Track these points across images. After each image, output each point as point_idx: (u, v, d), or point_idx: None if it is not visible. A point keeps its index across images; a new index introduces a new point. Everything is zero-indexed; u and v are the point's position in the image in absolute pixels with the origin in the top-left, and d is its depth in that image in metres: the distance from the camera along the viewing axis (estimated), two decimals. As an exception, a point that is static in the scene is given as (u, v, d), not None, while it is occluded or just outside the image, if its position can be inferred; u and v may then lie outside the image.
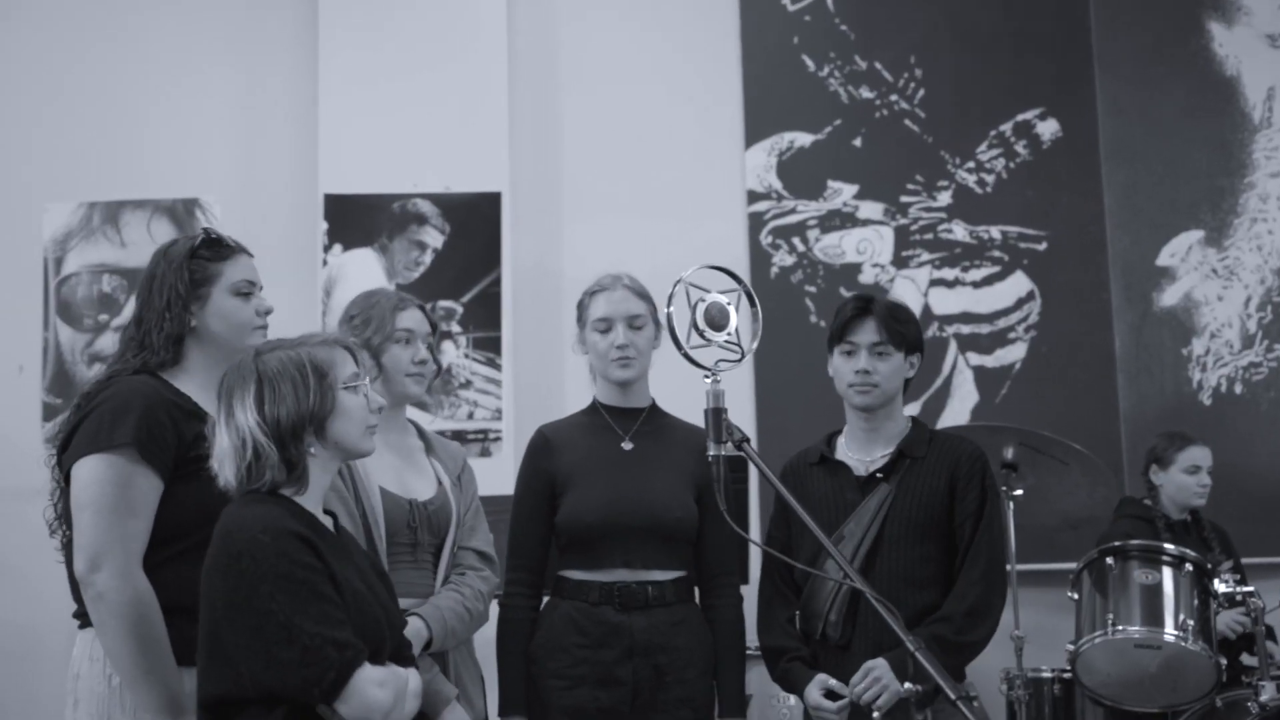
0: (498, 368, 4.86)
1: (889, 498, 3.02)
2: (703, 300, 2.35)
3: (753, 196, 5.16)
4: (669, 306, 2.38)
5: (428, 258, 4.91)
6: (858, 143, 5.17)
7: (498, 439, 4.82)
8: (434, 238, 4.93)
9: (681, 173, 5.15)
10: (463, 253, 4.90)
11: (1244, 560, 4.55)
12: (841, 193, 5.15)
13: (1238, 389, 5.04)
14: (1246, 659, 4.19)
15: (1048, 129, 5.15)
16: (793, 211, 5.14)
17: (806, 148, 5.18)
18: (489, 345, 4.87)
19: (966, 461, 3.05)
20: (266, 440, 2.20)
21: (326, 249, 4.89)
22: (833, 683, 2.92)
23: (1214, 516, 4.59)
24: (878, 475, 3.06)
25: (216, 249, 2.70)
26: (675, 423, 3.21)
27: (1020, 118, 5.16)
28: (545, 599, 3.13)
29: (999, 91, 5.17)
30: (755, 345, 2.44)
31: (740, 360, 2.39)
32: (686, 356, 2.35)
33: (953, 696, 1.99)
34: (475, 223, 4.93)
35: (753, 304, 2.44)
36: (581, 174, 5.16)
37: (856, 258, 5.11)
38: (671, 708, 2.98)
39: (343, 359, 2.31)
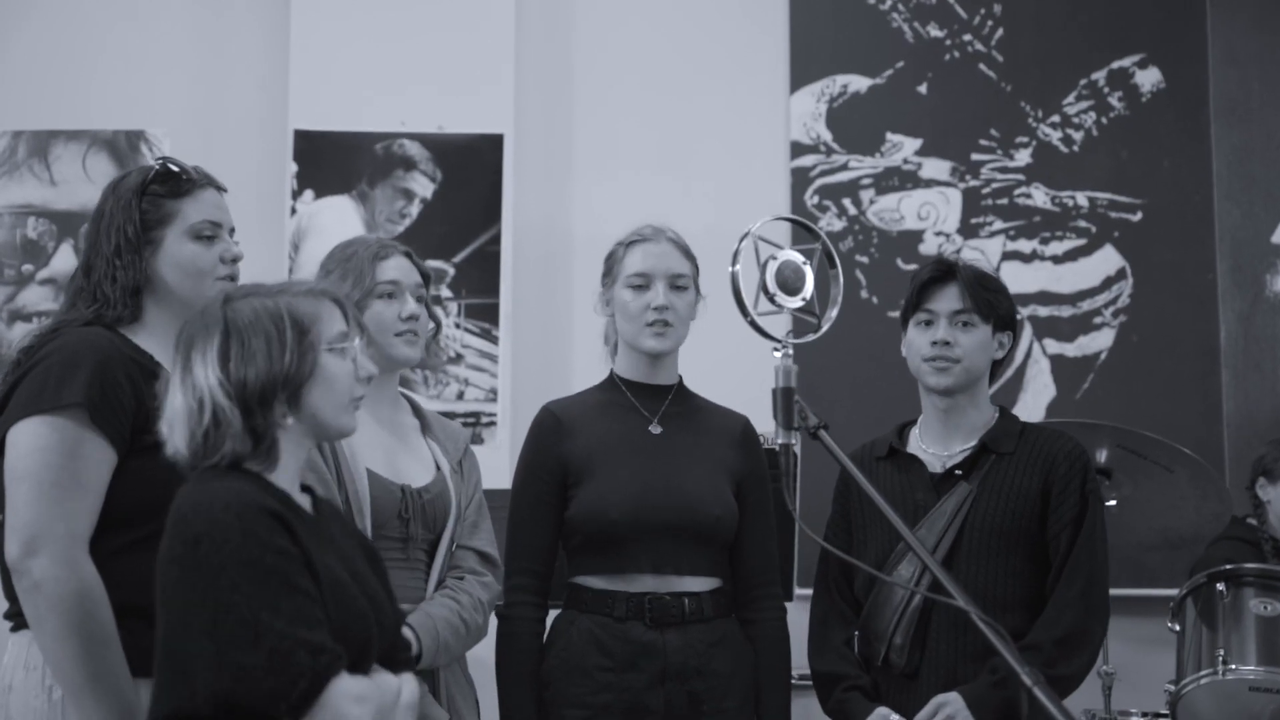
0: (494, 340, 4.76)
1: (969, 499, 2.95)
2: (774, 258, 2.25)
3: (797, 149, 5.06)
4: (734, 264, 2.28)
5: (415, 209, 4.81)
6: (923, 89, 5.08)
7: (492, 423, 4.72)
8: (423, 186, 4.82)
9: (714, 119, 5.05)
10: (457, 205, 4.80)
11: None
12: (902, 147, 5.06)
13: (1363, 392, 4.98)
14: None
15: (1148, 79, 5.07)
16: (844, 168, 5.05)
17: (862, 94, 5.08)
18: (485, 314, 4.77)
19: (1065, 461, 2.98)
20: (229, 404, 2.07)
21: (295, 195, 4.78)
22: (895, 718, 2.83)
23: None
24: (956, 472, 2.99)
25: (174, 183, 2.60)
26: (708, 405, 3.12)
27: (1116, 65, 5.07)
28: (553, 610, 3.04)
29: (1092, 34, 5.08)
30: (835, 314, 2.35)
31: (818, 331, 2.30)
32: (754, 325, 2.26)
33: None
34: (472, 170, 4.82)
35: (833, 265, 2.35)
36: (597, 118, 5.06)
37: (918, 224, 5.02)
38: (708, 740, 2.90)
39: (330, 314, 2.19)
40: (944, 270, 3.00)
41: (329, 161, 4.80)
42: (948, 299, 2.97)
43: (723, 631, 2.96)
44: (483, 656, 3.04)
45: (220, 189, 2.66)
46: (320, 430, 2.20)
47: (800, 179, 5.04)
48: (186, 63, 5.02)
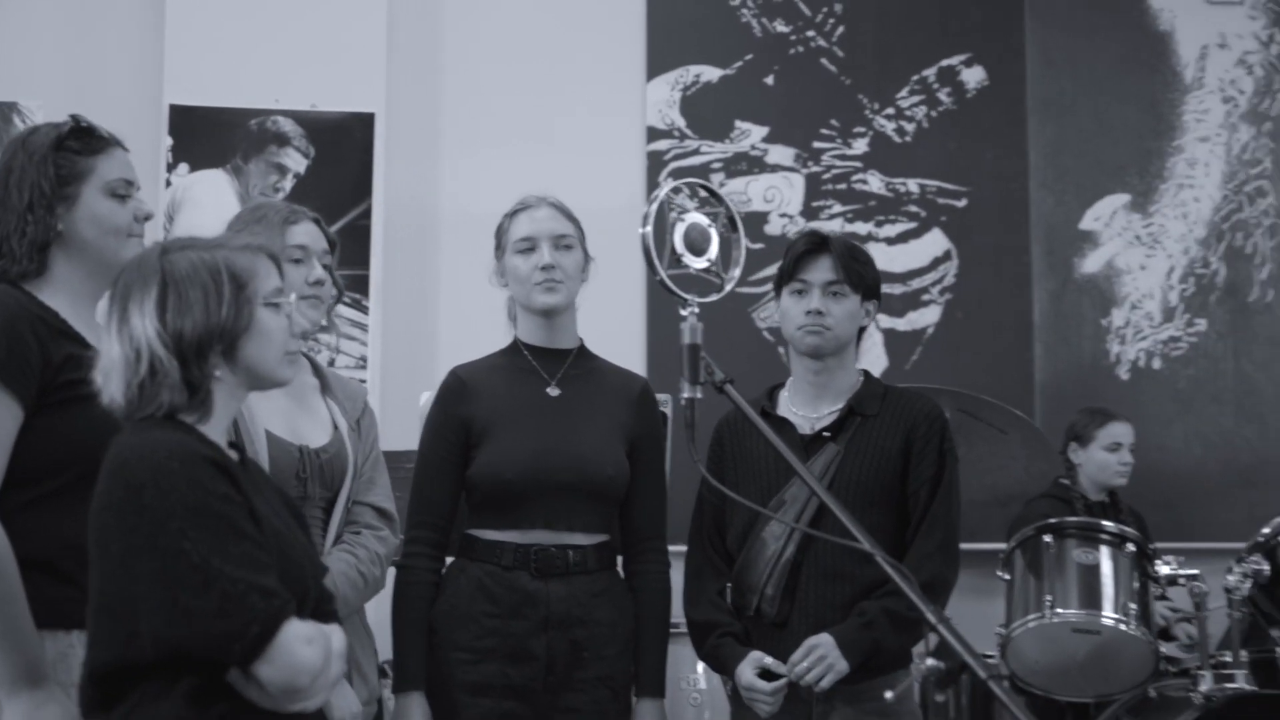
0: (364, 310, 4.63)
1: (837, 459, 2.91)
2: (682, 220, 2.19)
3: (653, 134, 5.03)
4: (645, 226, 2.22)
5: (288, 183, 4.65)
6: (770, 81, 5.08)
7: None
8: (296, 161, 4.67)
9: (575, 103, 4.99)
10: (328, 180, 4.66)
11: (1156, 546, 4.60)
12: (750, 134, 5.06)
13: (1156, 364, 5.13)
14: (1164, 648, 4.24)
15: (973, 77, 5.14)
16: (696, 152, 5.04)
17: (714, 83, 5.07)
18: (355, 285, 4.62)
19: (924, 421, 2.96)
20: (166, 354, 1.95)
21: (171, 168, 4.60)
22: (769, 661, 2.81)
23: (1126, 500, 4.65)
24: (825, 434, 2.94)
25: (87, 140, 2.43)
26: (606, 366, 3.06)
27: (945, 63, 5.14)
28: (449, 561, 2.95)
29: (924, 34, 5.15)
30: (738, 274, 2.30)
31: (722, 291, 2.25)
32: (663, 283, 2.20)
33: (983, 675, 1.88)
34: (344, 147, 4.70)
35: (735, 229, 2.30)
36: (465, 99, 4.97)
37: (763, 206, 5.02)
38: (588, 687, 2.83)
39: (266, 270, 2.08)
40: (817, 242, 2.97)
41: (204, 136, 4.63)
42: (821, 270, 2.93)
43: (606, 583, 2.90)
44: (381, 608, 2.93)
45: (125, 149, 2.51)
46: (256, 381, 2.09)
47: (655, 162, 5.00)
48: (62, 36, 4.79)
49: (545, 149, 4.87)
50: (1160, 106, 5.22)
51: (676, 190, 2.32)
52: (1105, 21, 5.23)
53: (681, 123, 5.03)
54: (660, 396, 3.22)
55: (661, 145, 5.02)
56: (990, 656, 3.94)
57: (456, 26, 5.00)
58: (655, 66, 5.05)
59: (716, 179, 4.98)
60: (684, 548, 3.05)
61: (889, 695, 2.69)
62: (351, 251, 4.62)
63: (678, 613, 3.03)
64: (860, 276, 2.96)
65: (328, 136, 4.68)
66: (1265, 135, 5.24)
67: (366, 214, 4.67)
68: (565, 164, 4.82)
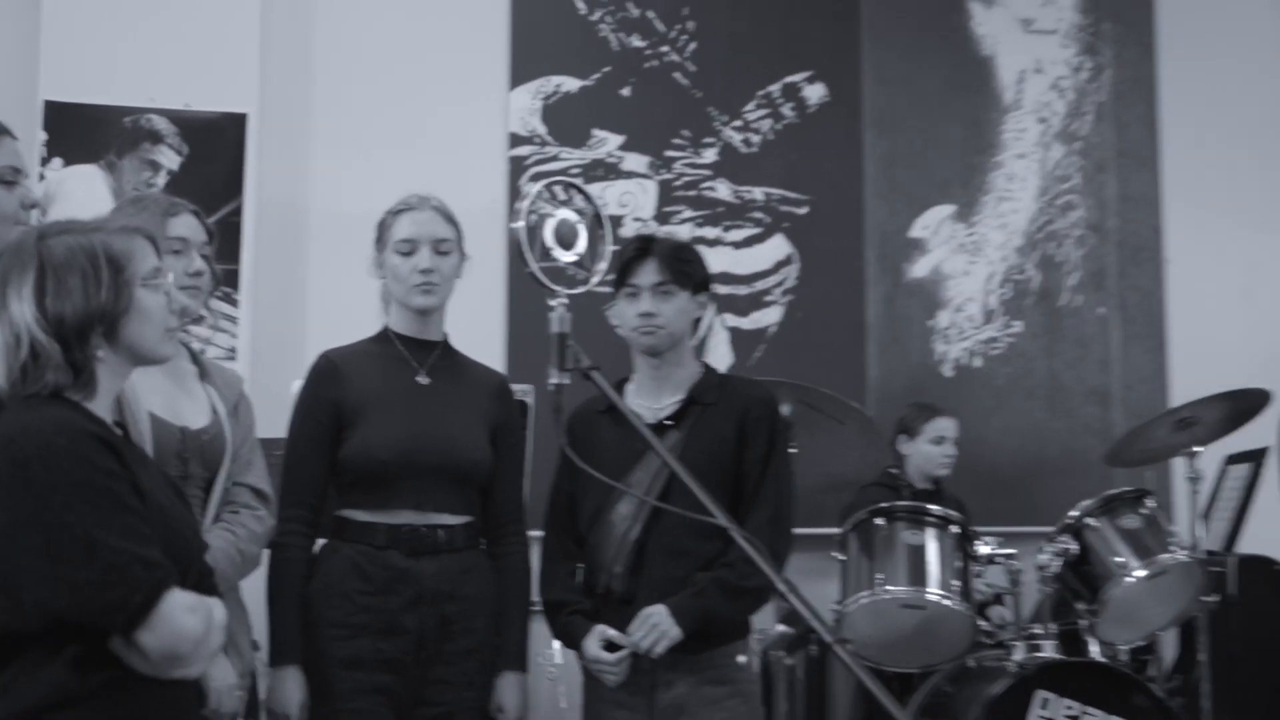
0: (234, 303, 4.59)
1: (678, 446, 2.98)
2: (553, 216, 2.26)
3: (515, 140, 5.07)
4: (516, 221, 2.28)
5: (161, 179, 4.59)
6: (626, 92, 5.16)
7: (233, 380, 4.55)
8: (169, 158, 4.62)
9: (442, 109, 5.01)
10: (201, 178, 4.60)
11: (977, 529, 4.77)
12: (607, 142, 5.12)
13: (977, 362, 5.31)
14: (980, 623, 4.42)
15: (815, 93, 5.27)
16: (556, 159, 5.09)
17: (574, 93, 5.13)
18: (225, 279, 4.54)
19: (756, 406, 3.03)
20: (47, 339, 1.94)
21: (45, 162, 4.51)
22: (611, 633, 2.86)
23: (949, 487, 4.80)
24: (668, 423, 2.99)
25: None
26: (469, 361, 3.10)
27: (788, 80, 5.26)
28: (320, 542, 2.96)
29: (769, 51, 5.26)
30: (604, 267, 2.37)
31: (587, 284, 2.32)
32: (533, 275, 2.26)
33: (828, 639, 1.98)
34: (217, 145, 4.65)
35: (601, 225, 2.37)
36: (336, 102, 4.96)
37: (618, 210, 5.09)
38: (457, 659, 2.87)
39: (143, 251, 2.07)
40: (643, 247, 3.01)
41: (78, 132, 4.55)
42: (648, 273, 2.97)
43: (472, 561, 2.94)
44: (255, 587, 2.94)
45: (13, 137, 2.48)
46: (138, 359, 2.09)
47: (517, 167, 5.05)
48: (-69, 28, 4.66)
49: (412, 151, 4.86)
50: (982, 125, 5.41)
51: (549, 188, 2.37)
52: (934, 45, 5.40)
53: (542, 130, 5.08)
54: (521, 387, 3.28)
55: (523, 151, 5.07)
56: (811, 633, 4.08)
57: (328, 31, 4.98)
58: (518, 76, 5.09)
59: (560, 178, 5.01)
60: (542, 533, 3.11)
61: (741, 659, 2.78)
62: (222, 246, 4.52)
63: (537, 592, 3.10)
64: (686, 274, 3.01)
65: (201, 135, 4.63)
66: (1075, 153, 5.47)
67: (237, 211, 4.63)
68: (431, 166, 4.80)
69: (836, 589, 4.01)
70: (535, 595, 3.08)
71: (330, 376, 2.97)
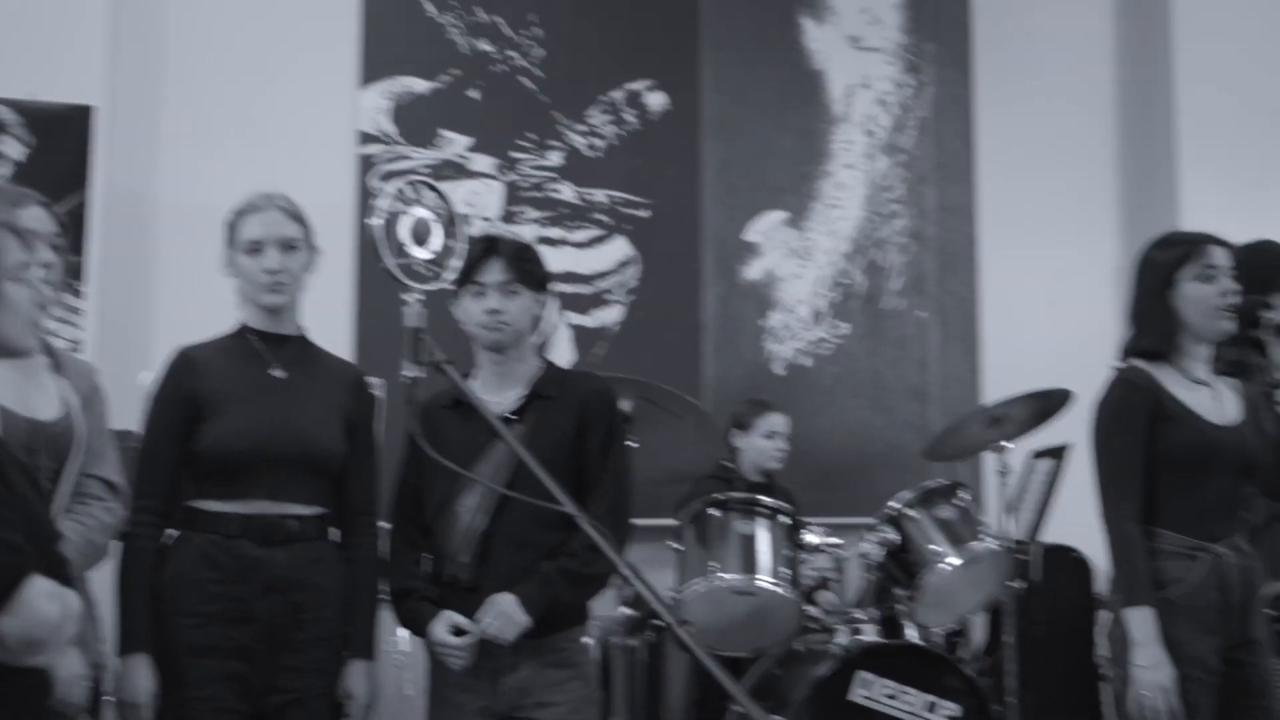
0: (79, 295, 4.47)
1: (522, 439, 2.99)
2: (408, 214, 2.27)
3: (365, 138, 5.04)
4: (371, 219, 2.29)
5: (5, 170, 4.44)
6: (474, 94, 5.16)
7: (78, 371, 4.42)
8: (13, 149, 4.47)
9: (292, 106, 4.94)
10: (47, 168, 4.45)
11: (805, 520, 4.89)
12: (454, 143, 5.12)
13: (807, 362, 5.45)
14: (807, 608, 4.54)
15: (656, 100, 5.34)
16: (404, 158, 5.06)
17: (423, 94, 5.11)
18: (71, 271, 4.46)
19: (595, 399, 3.07)
20: None
21: (-116, 151, 4.34)
22: (458, 619, 2.88)
23: (780, 479, 4.91)
24: (512, 417, 3.01)
25: None
26: (325, 354, 3.10)
27: (631, 87, 5.32)
28: (171, 533, 2.92)
29: (613, 59, 5.32)
30: (457, 264, 2.40)
31: (441, 281, 2.34)
32: (388, 271, 2.27)
33: (670, 622, 2.02)
34: (63, 136, 4.51)
35: (455, 224, 2.39)
36: (185, 96, 4.85)
37: (465, 209, 5.08)
38: (307, 647, 2.87)
39: (9, 244, 2.04)
40: (489, 246, 3.03)
41: (-80, 120, 4.39)
42: (494, 271, 2.99)
43: (323, 551, 2.94)
44: (104, 578, 2.88)
45: None
46: (3, 351, 2.05)
47: (366, 164, 5.01)
48: None
49: (262, 147, 4.79)
50: (814, 136, 5.55)
51: (408, 186, 2.37)
52: (769, 58, 5.51)
53: (392, 129, 5.06)
54: (372, 381, 3.27)
55: (373, 149, 5.03)
56: (653, 617, 4.15)
57: (180, 24, 4.88)
58: (368, 75, 5.05)
59: (415, 177, 4.99)
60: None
61: (587, 640, 2.82)
62: (69, 239, 4.47)
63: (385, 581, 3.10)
64: (530, 274, 3.04)
65: (46, 126, 4.49)
66: (899, 165, 5.65)
67: (83, 203, 4.51)
68: (280, 162, 4.75)
69: (673, 577, 4.07)
70: (384, 585, 3.09)
71: (186, 370, 2.94)
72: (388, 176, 4.99)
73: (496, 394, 3.04)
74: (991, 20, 5.82)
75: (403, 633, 3.52)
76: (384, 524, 3.08)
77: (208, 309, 3.08)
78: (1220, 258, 2.99)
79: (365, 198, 4.92)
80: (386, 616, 3.16)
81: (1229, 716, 2.90)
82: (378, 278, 2.34)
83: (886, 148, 5.63)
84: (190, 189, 4.69)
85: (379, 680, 3.03)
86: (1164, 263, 3.03)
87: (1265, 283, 3.78)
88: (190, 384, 2.91)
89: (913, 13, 5.70)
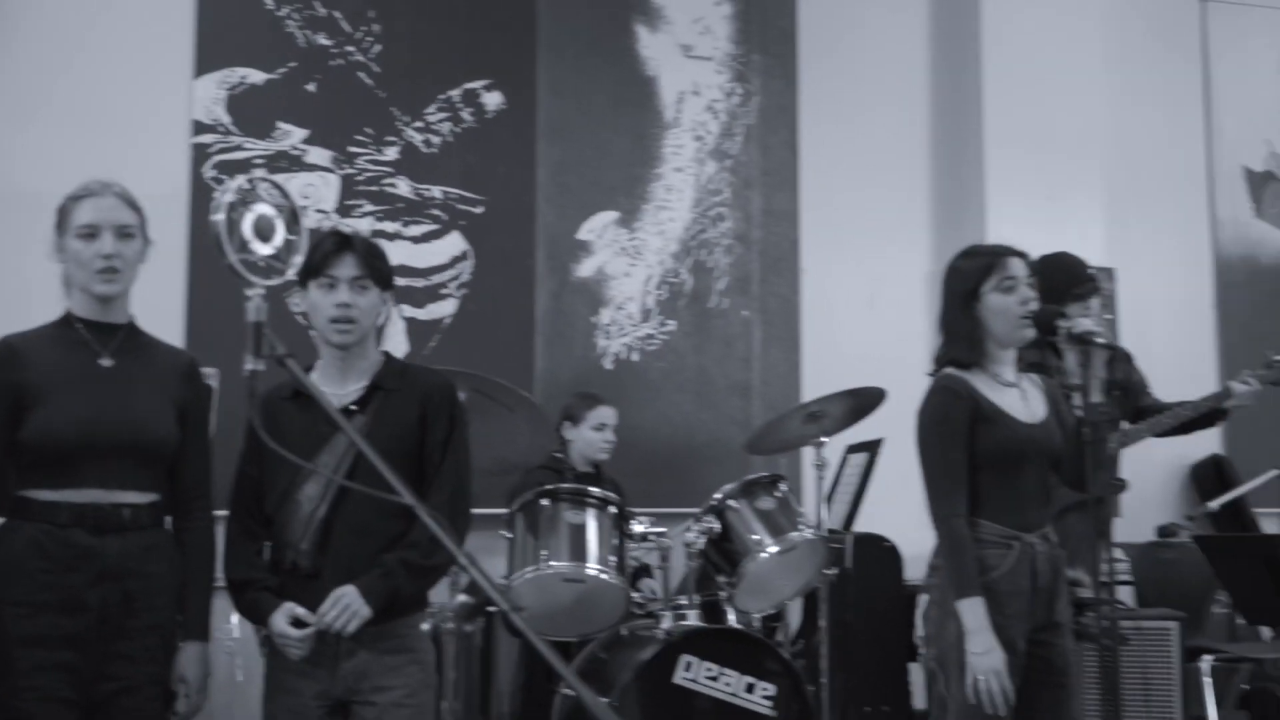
0: (-103, 279, 4.30)
1: (363, 430, 3.00)
2: (252, 210, 2.26)
3: (199, 127, 4.94)
4: (216, 214, 2.26)
5: None
6: (311, 88, 5.10)
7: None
8: None
9: (126, 93, 4.84)
10: None
11: (632, 509, 4.96)
12: (291, 135, 5.06)
13: (635, 357, 5.52)
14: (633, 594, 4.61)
15: (493, 100, 5.35)
16: (239, 148, 4.98)
17: (259, 85, 5.03)
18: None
19: (437, 393, 3.07)
20: None
21: None
22: (299, 611, 2.86)
23: (608, 470, 4.98)
24: (352, 408, 2.99)
25: None
26: (155, 342, 3.03)
27: (468, 86, 5.32)
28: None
29: (451, 59, 5.31)
30: (300, 260, 2.39)
31: (283, 277, 2.33)
32: (231, 267, 2.25)
33: (506, 608, 2.05)
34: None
35: (297, 221, 2.38)
36: (14, 81, 4.69)
37: (301, 202, 4.95)
38: (139, 635, 2.81)
39: None
40: (342, 241, 2.99)
41: None
42: (347, 267, 2.95)
43: (156, 539, 2.89)
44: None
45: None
46: None
47: (200, 154, 4.91)
48: None
49: (95, 133, 4.69)
50: (646, 140, 5.63)
51: (251, 182, 2.36)
52: (604, 63, 5.58)
53: (227, 119, 4.97)
54: (206, 370, 3.22)
55: (207, 139, 4.94)
56: (489, 604, 4.17)
57: (11, 8, 4.71)
58: (203, 65, 4.96)
59: (258, 174, 4.92)
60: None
61: (425, 626, 2.83)
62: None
63: (220, 569, 3.05)
64: (380, 271, 3.04)
65: None
66: (726, 170, 5.76)
67: (-98, 183, 4.33)
68: (114, 149, 4.67)
69: (504, 565, 4.10)
70: (218, 571, 3.04)
71: (9, 360, 2.85)
72: (222, 167, 4.90)
73: (338, 385, 3.02)
74: (817, 36, 5.98)
75: (235, 619, 3.48)
76: (219, 512, 3.03)
77: (35, 293, 2.99)
78: (1018, 269, 3.14)
79: (199, 187, 4.82)
80: (220, 603, 3.12)
81: (1035, 694, 3.04)
82: (210, 267, 2.32)
83: (715, 153, 5.74)
84: (20, 173, 4.54)
85: (211, 664, 2.99)
86: (967, 275, 3.17)
87: (1060, 292, 3.99)
88: (13, 375, 2.82)
89: (742, 24, 5.82)
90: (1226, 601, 5.33)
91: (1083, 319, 3.22)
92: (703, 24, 5.78)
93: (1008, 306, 3.11)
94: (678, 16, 5.70)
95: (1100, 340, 3.11)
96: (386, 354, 3.15)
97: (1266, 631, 5.47)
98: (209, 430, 3.09)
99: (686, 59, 5.73)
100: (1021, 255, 3.17)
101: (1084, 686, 3.66)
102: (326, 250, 2.97)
